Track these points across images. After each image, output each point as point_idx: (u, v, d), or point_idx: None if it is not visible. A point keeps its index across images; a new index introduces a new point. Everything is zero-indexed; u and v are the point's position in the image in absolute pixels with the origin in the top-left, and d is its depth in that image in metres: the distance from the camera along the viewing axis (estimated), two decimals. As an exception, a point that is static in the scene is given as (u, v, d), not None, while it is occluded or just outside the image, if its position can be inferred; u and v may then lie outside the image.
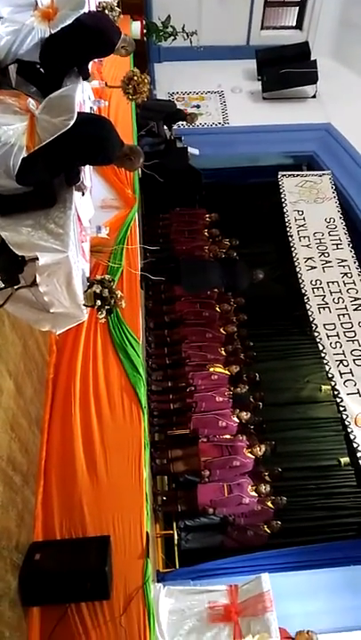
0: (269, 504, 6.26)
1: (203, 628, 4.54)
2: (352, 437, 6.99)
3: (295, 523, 6.46)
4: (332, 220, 9.19)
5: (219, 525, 6.13)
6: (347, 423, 7.12)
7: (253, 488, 6.29)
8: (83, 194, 3.61)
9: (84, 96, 4.19)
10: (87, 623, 4.00)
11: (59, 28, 3.89)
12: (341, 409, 7.24)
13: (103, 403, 5.21)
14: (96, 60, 5.25)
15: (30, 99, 3.09)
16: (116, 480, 4.71)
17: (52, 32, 3.87)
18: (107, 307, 3.37)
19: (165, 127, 9.18)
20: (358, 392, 7.33)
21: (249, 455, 6.51)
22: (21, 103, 3.05)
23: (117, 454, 4.88)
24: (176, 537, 6.01)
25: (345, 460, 7.17)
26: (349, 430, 7.05)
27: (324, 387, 7.75)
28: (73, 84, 3.68)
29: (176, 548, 5.96)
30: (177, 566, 5.83)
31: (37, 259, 2.95)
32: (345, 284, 8.42)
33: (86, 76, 4.31)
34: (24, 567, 3.87)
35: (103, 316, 3.39)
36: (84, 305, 3.31)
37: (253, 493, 6.26)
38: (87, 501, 4.54)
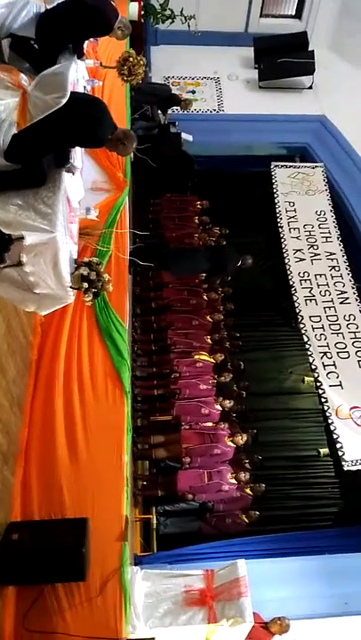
0: (248, 491, 6.33)
1: (178, 611, 4.57)
2: (332, 429, 7.08)
3: (273, 511, 6.54)
4: (322, 213, 9.20)
5: (197, 511, 6.20)
6: (328, 414, 7.21)
7: (233, 475, 6.35)
8: (73, 174, 3.56)
9: (77, 75, 4.12)
10: (63, 603, 4.03)
11: (55, 4, 3.83)
12: (323, 400, 7.32)
13: (86, 386, 5.19)
14: (92, 39, 5.18)
15: (23, 74, 3.03)
16: (96, 463, 4.71)
17: (48, 7, 3.81)
18: (93, 290, 3.32)
19: (160, 111, 9.08)
20: (341, 384, 7.41)
21: (230, 444, 6.55)
22: (13, 79, 3.00)
23: (99, 438, 4.87)
24: (155, 521, 6.07)
25: (324, 450, 7.25)
26: (330, 422, 7.14)
27: (307, 378, 7.81)
28: (67, 62, 3.61)
29: (154, 533, 6.02)
30: (155, 550, 5.89)
31: (24, 238, 2.91)
32: (332, 277, 8.47)
33: (81, 55, 4.26)
34: (0, 546, 3.88)
35: (90, 298, 3.34)
36: (71, 287, 3.28)
37: (233, 481, 6.32)
38: (67, 483, 4.54)
